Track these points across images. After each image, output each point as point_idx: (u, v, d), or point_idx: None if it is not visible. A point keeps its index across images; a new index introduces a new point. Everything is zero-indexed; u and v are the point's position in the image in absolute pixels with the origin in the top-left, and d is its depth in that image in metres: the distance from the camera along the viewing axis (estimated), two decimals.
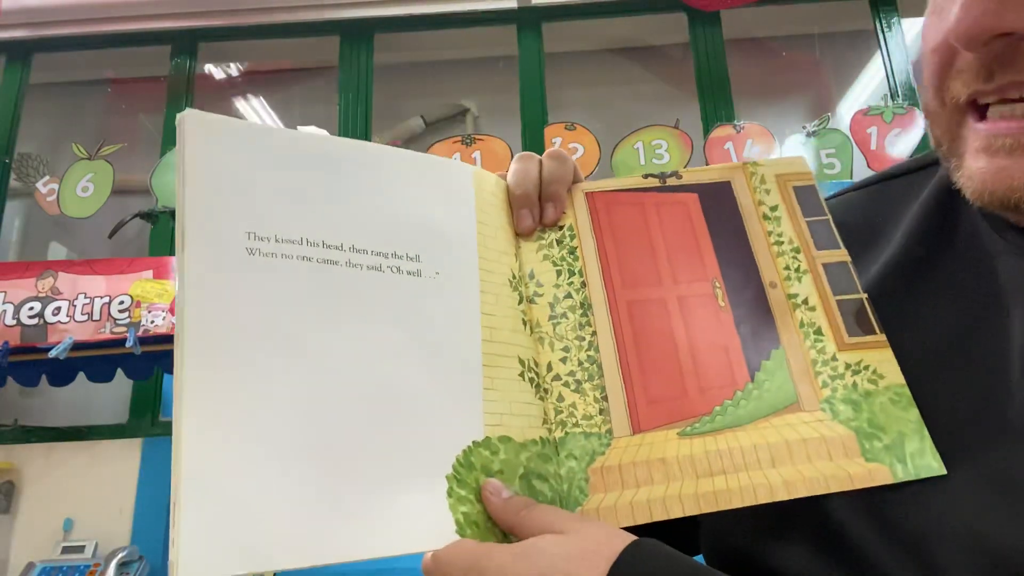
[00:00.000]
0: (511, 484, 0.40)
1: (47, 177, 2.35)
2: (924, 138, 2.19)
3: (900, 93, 2.32)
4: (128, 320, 1.92)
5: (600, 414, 0.44)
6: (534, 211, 0.50)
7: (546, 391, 0.45)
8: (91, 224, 2.31)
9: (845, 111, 2.60)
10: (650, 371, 0.45)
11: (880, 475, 0.39)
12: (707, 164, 2.23)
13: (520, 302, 0.47)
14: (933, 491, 0.38)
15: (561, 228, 0.50)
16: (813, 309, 0.46)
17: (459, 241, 0.45)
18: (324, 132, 2.32)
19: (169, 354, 1.89)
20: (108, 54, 2.68)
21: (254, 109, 2.92)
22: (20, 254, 2.69)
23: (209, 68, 2.81)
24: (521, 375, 0.44)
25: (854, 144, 2.21)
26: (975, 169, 0.39)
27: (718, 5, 2.32)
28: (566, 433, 0.44)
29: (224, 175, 0.39)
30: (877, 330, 0.44)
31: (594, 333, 0.46)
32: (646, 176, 0.52)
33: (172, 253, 2.23)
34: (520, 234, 0.50)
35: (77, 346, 1.89)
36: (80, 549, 2.06)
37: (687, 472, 0.41)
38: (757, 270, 0.48)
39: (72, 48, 2.59)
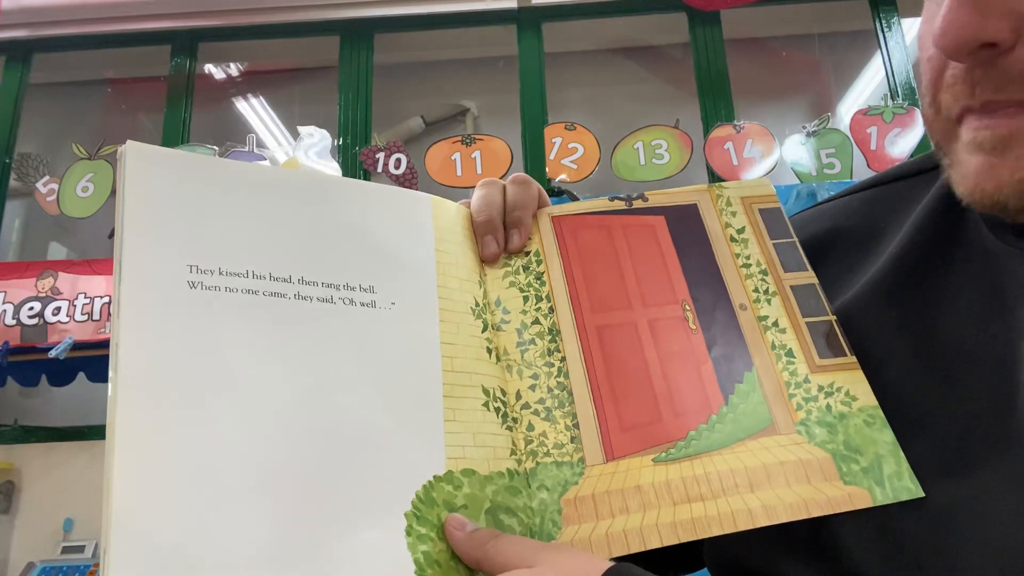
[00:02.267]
0: (476, 519, 0.39)
1: (47, 177, 2.34)
2: (924, 138, 2.19)
3: (900, 93, 2.32)
4: None
5: (572, 442, 0.43)
6: (498, 237, 0.49)
7: (515, 420, 0.43)
8: (91, 224, 2.30)
9: (845, 111, 2.60)
10: (622, 396, 0.44)
11: (860, 499, 0.39)
12: (707, 164, 2.23)
13: (484, 330, 0.46)
14: (938, 506, 0.37)
15: (527, 254, 0.49)
16: (784, 331, 0.46)
17: (416, 271, 0.44)
18: (324, 132, 2.32)
19: None
20: (108, 54, 2.68)
21: (254, 109, 2.92)
22: (20, 254, 2.69)
23: (209, 68, 2.81)
24: (486, 405, 0.43)
25: (854, 144, 2.21)
26: (969, 166, 0.38)
27: (718, 5, 2.32)
28: (537, 463, 0.42)
29: (165, 207, 0.37)
30: (847, 352, 0.44)
31: (563, 359, 0.45)
32: (612, 199, 0.52)
33: None
34: (485, 261, 0.49)
35: (77, 346, 1.89)
36: (80, 549, 2.06)
37: (664, 499, 0.40)
38: (727, 292, 0.48)
39: (72, 48, 2.59)
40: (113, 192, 2.29)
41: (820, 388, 0.43)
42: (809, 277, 0.48)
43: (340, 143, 2.38)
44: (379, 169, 2.31)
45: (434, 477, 0.39)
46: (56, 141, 2.67)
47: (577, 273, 0.49)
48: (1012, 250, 0.42)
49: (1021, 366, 0.38)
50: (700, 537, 0.38)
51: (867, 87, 2.65)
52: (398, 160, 2.31)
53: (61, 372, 2.07)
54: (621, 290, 0.48)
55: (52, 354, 1.88)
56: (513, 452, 0.42)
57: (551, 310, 0.47)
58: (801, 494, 0.39)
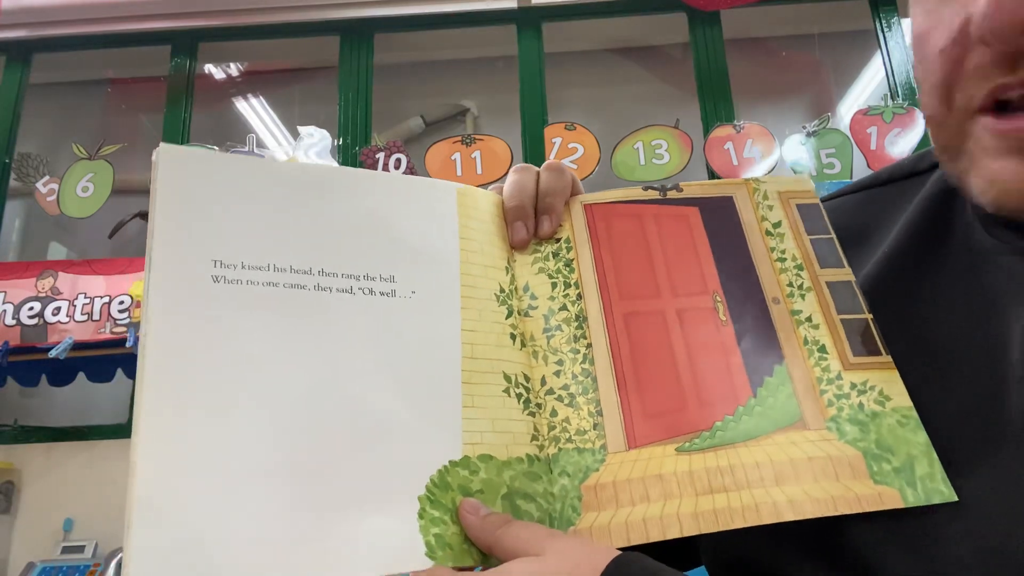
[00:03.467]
0: (492, 504, 0.39)
1: (47, 177, 2.34)
2: (924, 138, 2.19)
3: (900, 93, 2.32)
4: (128, 320, 1.92)
5: (594, 429, 0.42)
6: (528, 223, 0.49)
7: (538, 406, 0.44)
8: (91, 224, 2.31)
9: (845, 111, 2.60)
10: (647, 384, 0.44)
11: (890, 498, 0.38)
12: (707, 164, 2.23)
13: (509, 316, 0.46)
14: (945, 507, 0.36)
15: (558, 240, 0.49)
16: (817, 327, 0.45)
17: (438, 259, 0.45)
18: (324, 132, 2.32)
19: None
20: (108, 54, 2.68)
21: (254, 109, 2.92)
22: (20, 254, 2.69)
23: (209, 68, 2.81)
24: (507, 391, 0.43)
25: (854, 144, 2.21)
26: (998, 170, 0.37)
27: (718, 5, 2.32)
28: (559, 449, 0.42)
29: (192, 206, 0.40)
30: (883, 351, 0.43)
31: (589, 345, 0.45)
32: (646, 188, 0.51)
33: None
34: (514, 247, 0.49)
35: (77, 346, 1.89)
36: (80, 549, 2.06)
37: (686, 489, 0.39)
38: (759, 286, 0.47)
39: (72, 48, 2.59)
40: (113, 192, 2.29)
41: (853, 386, 0.42)
42: (846, 274, 0.46)
43: (340, 143, 2.38)
44: (379, 169, 2.31)
45: (450, 462, 0.39)
46: (56, 141, 2.67)
47: (607, 260, 0.48)
48: (1006, 247, 0.41)
49: (1011, 364, 0.38)
50: (722, 529, 0.37)
51: (867, 87, 2.65)
52: (398, 160, 2.31)
53: (61, 372, 2.07)
54: (651, 279, 0.47)
55: (52, 354, 1.88)
56: (535, 438, 0.43)
57: (579, 297, 0.47)
58: (829, 490, 0.38)
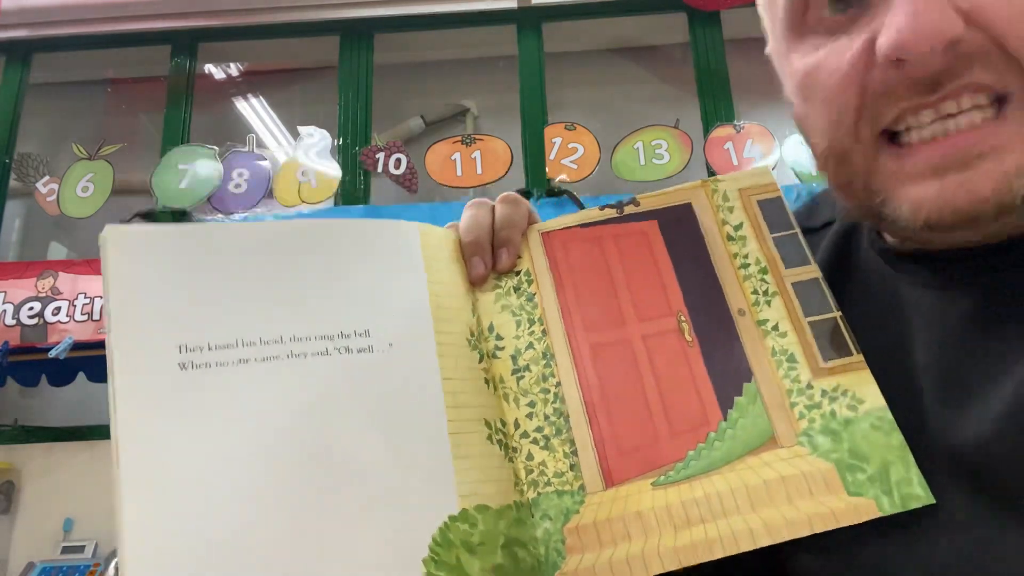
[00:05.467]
0: (494, 556, 0.38)
1: (47, 177, 2.34)
2: None
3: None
4: None
5: (571, 470, 0.42)
6: (486, 258, 0.48)
7: (514, 450, 0.43)
8: (91, 224, 2.30)
9: None
10: (619, 419, 0.43)
11: (865, 510, 0.38)
12: (707, 164, 2.23)
13: (481, 360, 0.45)
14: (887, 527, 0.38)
15: (518, 273, 0.48)
16: (784, 335, 0.44)
17: (411, 307, 0.43)
18: (324, 132, 2.32)
19: None
20: (108, 54, 2.68)
21: (254, 109, 2.92)
22: (20, 254, 2.69)
23: (209, 68, 2.81)
24: (489, 438, 0.42)
25: None
26: (925, 194, 0.37)
27: (718, 5, 2.32)
28: (538, 494, 0.42)
29: (148, 289, 0.37)
30: (854, 351, 0.42)
31: (559, 384, 0.45)
32: (603, 208, 0.50)
33: None
34: (473, 283, 0.48)
35: (77, 346, 1.89)
36: (80, 549, 2.06)
37: (664, 525, 0.39)
38: (723, 297, 0.46)
39: (72, 48, 2.59)
40: (113, 192, 2.29)
41: (824, 393, 0.41)
42: (812, 271, 0.46)
43: (340, 143, 2.38)
44: (379, 169, 2.31)
45: (449, 517, 0.38)
46: (56, 141, 2.67)
47: (569, 291, 0.48)
48: (908, 277, 0.43)
49: (927, 389, 0.39)
50: (702, 560, 0.38)
51: None
52: (398, 160, 2.31)
53: (61, 372, 2.07)
54: (614, 306, 0.47)
55: (52, 354, 1.88)
56: (516, 483, 0.42)
57: (544, 333, 0.46)
58: (804, 509, 0.38)
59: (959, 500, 0.36)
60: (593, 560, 0.39)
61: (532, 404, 0.44)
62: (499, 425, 0.43)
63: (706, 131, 2.29)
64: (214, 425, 0.35)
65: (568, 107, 2.63)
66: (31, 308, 2.01)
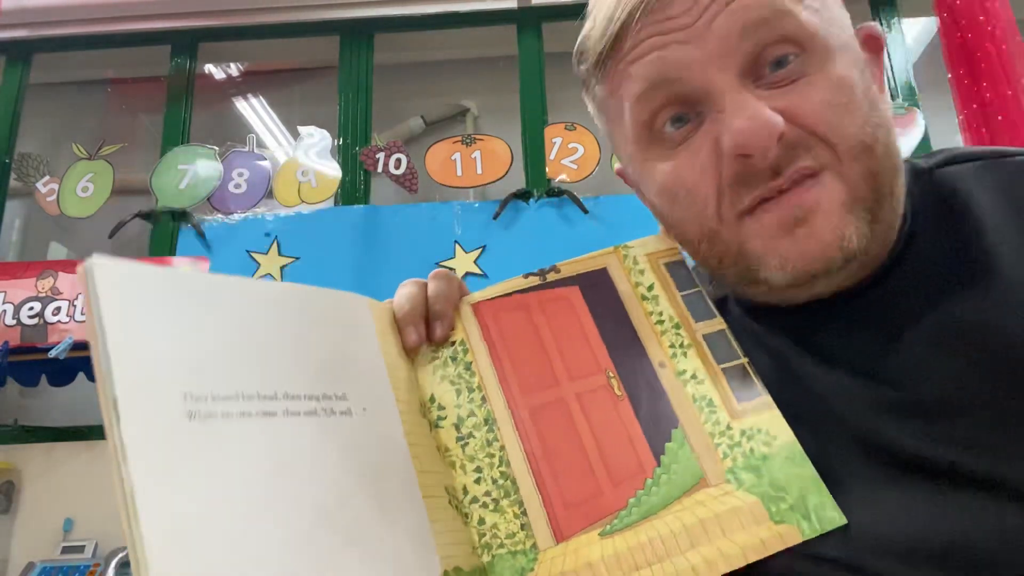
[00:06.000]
0: None
1: (47, 177, 2.34)
2: (924, 138, 2.19)
3: (900, 93, 2.32)
4: None
5: (522, 530, 0.44)
6: (419, 328, 0.51)
7: (467, 516, 0.44)
8: (91, 224, 2.30)
9: None
10: (563, 476, 0.46)
11: (790, 536, 0.41)
12: None
13: (431, 429, 0.47)
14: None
15: (453, 344, 0.51)
16: (702, 382, 0.48)
17: (373, 376, 0.44)
18: (324, 132, 2.32)
19: None
20: (108, 54, 2.67)
21: (254, 109, 2.92)
22: (20, 254, 2.69)
23: (209, 68, 2.81)
24: (450, 502, 0.44)
25: None
26: (786, 252, 0.44)
27: None
28: (493, 556, 0.43)
29: (148, 333, 0.34)
30: (762, 392, 0.47)
31: (503, 448, 0.47)
32: (527, 276, 0.54)
33: (172, 253, 2.23)
34: (407, 352, 0.50)
35: (77, 346, 1.89)
36: (80, 549, 2.06)
37: (614, 572, 0.42)
38: (645, 352, 0.50)
39: (72, 48, 2.59)
40: (113, 192, 2.29)
41: (743, 433, 0.45)
42: (719, 324, 0.50)
43: (340, 143, 2.38)
44: (379, 169, 2.31)
45: None
46: (56, 141, 2.67)
47: (503, 357, 0.50)
48: (768, 329, 0.50)
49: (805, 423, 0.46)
50: None
51: None
52: (398, 160, 2.31)
53: (61, 372, 2.07)
54: (547, 367, 0.49)
55: (52, 354, 1.88)
56: (474, 548, 0.43)
57: (484, 399, 0.48)
58: (738, 542, 0.41)
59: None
60: None
61: (479, 469, 0.46)
62: (452, 491, 0.45)
63: None
64: (228, 478, 0.34)
65: (568, 107, 2.62)
66: (31, 308, 2.01)
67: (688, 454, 0.45)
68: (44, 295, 2.04)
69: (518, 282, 0.54)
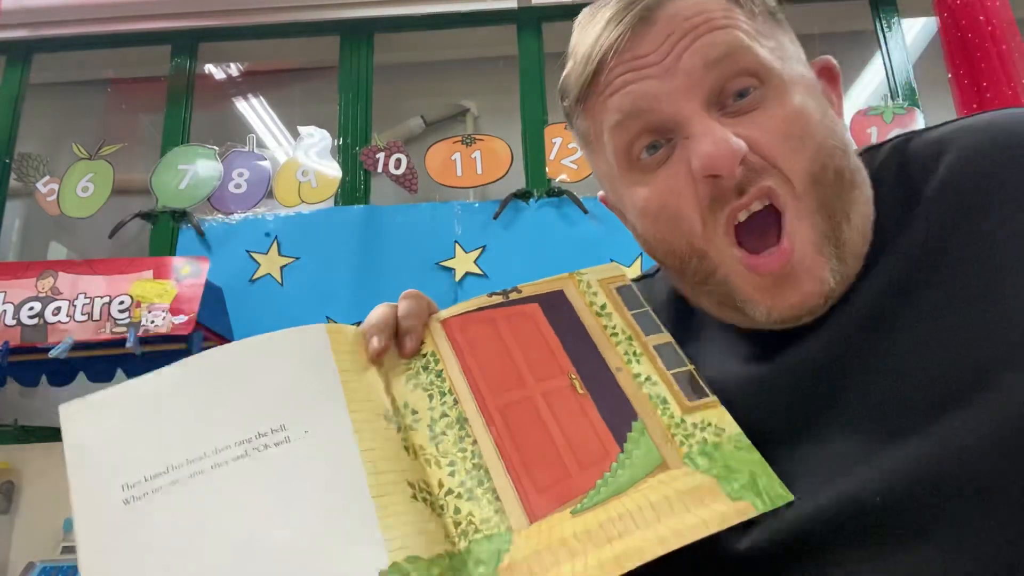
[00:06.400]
0: None
1: (47, 177, 2.34)
2: None
3: (900, 93, 2.32)
4: (128, 320, 1.92)
5: (496, 514, 0.46)
6: (381, 337, 0.54)
7: (442, 507, 0.47)
8: (91, 224, 2.31)
9: (845, 111, 2.59)
10: (533, 463, 0.49)
11: (747, 510, 0.45)
12: None
13: (399, 431, 0.50)
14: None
15: (424, 356, 0.55)
16: (656, 384, 0.53)
17: (322, 397, 0.49)
18: (324, 132, 2.32)
19: (170, 354, 1.89)
20: (108, 54, 2.68)
21: (254, 109, 2.92)
22: (20, 254, 2.69)
23: (209, 68, 2.81)
24: (414, 496, 0.47)
25: (854, 144, 2.20)
26: (774, 303, 0.50)
27: None
28: (470, 542, 0.46)
29: (95, 447, 0.45)
30: (709, 394, 0.53)
31: (475, 442, 0.50)
32: (491, 295, 0.58)
33: (172, 253, 2.23)
34: (371, 359, 0.53)
35: (77, 346, 1.89)
36: None
37: (587, 546, 0.44)
38: (603, 359, 0.55)
39: (72, 48, 2.59)
40: (113, 192, 2.29)
41: (695, 425, 0.51)
42: (665, 337, 0.56)
43: (340, 143, 2.38)
44: (379, 169, 2.31)
45: (379, 572, 0.42)
46: (56, 141, 2.67)
47: (472, 364, 0.54)
48: (737, 343, 0.56)
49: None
50: (624, 570, 0.43)
51: (867, 87, 2.65)
52: (398, 160, 2.31)
53: (61, 372, 2.06)
54: (513, 372, 0.54)
55: (52, 354, 1.87)
56: (447, 536, 0.46)
57: (455, 402, 0.52)
58: (699, 515, 0.45)
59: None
60: None
61: (452, 463, 0.49)
62: (423, 486, 0.48)
63: None
64: (156, 545, 0.42)
65: None
66: (31, 308, 2.01)
67: (648, 442, 0.50)
68: (44, 295, 2.04)
69: (483, 300, 0.58)
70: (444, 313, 0.58)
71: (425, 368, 0.54)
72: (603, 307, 0.58)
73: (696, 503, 0.46)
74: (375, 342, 0.53)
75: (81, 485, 0.44)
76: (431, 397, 0.53)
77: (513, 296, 0.58)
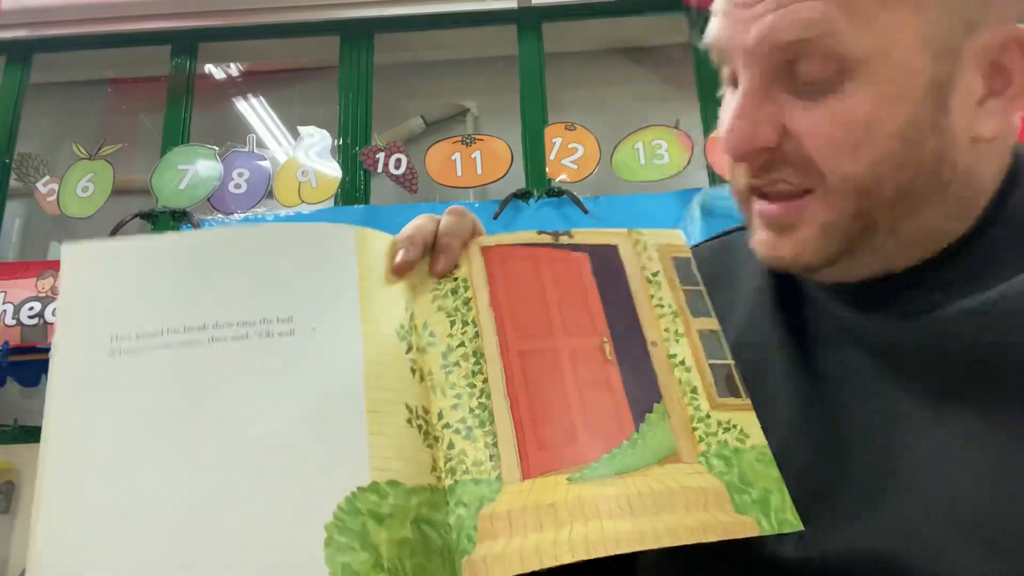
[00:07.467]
0: (403, 530, 0.40)
1: (47, 177, 2.34)
2: None
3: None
4: None
5: (490, 460, 0.44)
6: (410, 250, 0.51)
7: (436, 439, 0.45)
8: (91, 224, 2.30)
9: None
10: (541, 418, 0.46)
11: (749, 527, 0.43)
12: (707, 164, 2.23)
13: (409, 351, 0.48)
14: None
15: (456, 279, 0.52)
16: (689, 370, 0.50)
17: (336, 298, 0.47)
18: (324, 132, 2.32)
19: None
20: (108, 54, 2.67)
21: (254, 109, 2.91)
22: (20, 254, 2.69)
23: (209, 68, 2.80)
24: (409, 421, 0.44)
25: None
26: (760, 239, 0.49)
27: None
28: (456, 481, 0.44)
29: (91, 293, 0.43)
30: (743, 395, 0.49)
31: (486, 381, 0.47)
32: (540, 232, 0.55)
33: None
34: (395, 271, 0.50)
35: None
36: None
37: (576, 517, 0.41)
38: (640, 329, 0.51)
39: (72, 48, 2.59)
40: (113, 192, 2.29)
41: (719, 424, 0.47)
42: (713, 324, 0.52)
43: (340, 143, 2.38)
44: (379, 169, 2.31)
45: (358, 488, 0.40)
46: (56, 141, 2.67)
47: (503, 300, 0.51)
48: (822, 295, 0.52)
49: (812, 405, 0.49)
50: (609, 554, 0.40)
51: None
52: (398, 160, 2.31)
53: None
54: (544, 319, 0.51)
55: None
56: (434, 469, 0.44)
57: (476, 334, 0.49)
58: (699, 519, 0.42)
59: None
60: (503, 547, 0.40)
61: (458, 396, 0.47)
62: (421, 412, 0.45)
63: (706, 131, 2.29)
64: (135, 403, 0.40)
65: (568, 107, 2.62)
66: (31, 308, 2.01)
67: (666, 428, 0.47)
68: (44, 295, 2.04)
69: (531, 235, 0.54)
70: (487, 239, 0.54)
71: (454, 292, 0.51)
72: (655, 274, 0.54)
73: (698, 506, 0.43)
74: (402, 254, 0.50)
75: (68, 328, 0.41)
76: (452, 323, 0.50)
77: (563, 240, 0.55)
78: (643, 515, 0.42)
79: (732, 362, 0.51)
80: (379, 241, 0.51)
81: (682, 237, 0.57)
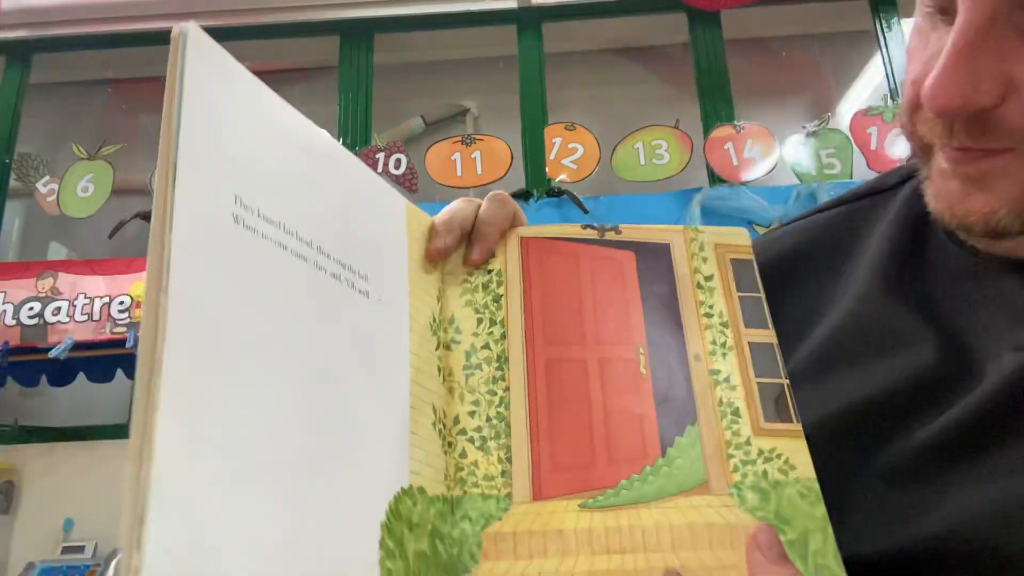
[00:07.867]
0: (422, 542, 0.37)
1: (47, 177, 2.34)
2: None
3: (900, 93, 2.32)
4: (128, 320, 1.92)
5: (501, 476, 0.42)
6: (448, 238, 0.47)
7: (450, 445, 0.42)
8: (91, 224, 2.30)
9: (845, 111, 2.60)
10: (559, 436, 0.43)
11: None
12: (707, 164, 2.23)
13: (437, 347, 0.44)
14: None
15: (489, 272, 0.48)
16: (734, 388, 0.45)
17: (396, 273, 0.42)
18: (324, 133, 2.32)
19: None
20: (108, 54, 2.68)
21: None
22: (20, 254, 2.69)
23: None
24: (434, 424, 0.41)
25: (854, 144, 2.21)
26: (944, 188, 0.41)
27: (718, 5, 2.32)
28: (464, 493, 0.41)
29: (224, 123, 0.33)
30: (794, 419, 0.43)
31: (507, 389, 0.44)
32: (585, 227, 0.50)
33: None
34: (430, 257, 0.46)
35: (77, 346, 1.89)
36: (80, 549, 2.06)
37: (583, 547, 0.39)
38: (683, 341, 0.46)
39: (72, 48, 2.59)
40: (113, 192, 2.29)
41: (760, 452, 0.42)
42: (769, 336, 0.46)
43: (340, 143, 2.38)
44: (379, 169, 2.30)
45: (401, 490, 0.37)
46: (56, 141, 2.67)
47: (536, 299, 0.47)
48: (981, 261, 0.45)
49: (993, 382, 0.41)
50: None
51: (867, 87, 2.65)
52: (398, 160, 2.31)
53: (61, 372, 2.07)
54: (577, 324, 0.47)
55: (52, 354, 1.88)
56: (446, 477, 0.41)
57: (503, 336, 0.46)
58: (723, 559, 0.38)
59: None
60: (504, 570, 0.38)
61: (476, 403, 0.44)
62: (442, 415, 0.42)
63: (706, 131, 2.29)
64: (254, 299, 0.31)
65: (568, 107, 2.62)
66: (31, 308, 2.01)
67: (696, 455, 0.42)
68: (44, 295, 2.04)
69: (575, 230, 0.50)
70: (527, 230, 0.50)
71: (485, 287, 0.47)
72: (708, 278, 0.49)
73: (724, 544, 0.38)
74: (438, 242, 0.46)
75: (193, 162, 0.30)
76: (479, 321, 0.46)
77: (609, 236, 0.50)
78: (656, 551, 0.38)
79: (786, 381, 0.45)
80: (422, 221, 0.47)
81: (746, 237, 0.51)
